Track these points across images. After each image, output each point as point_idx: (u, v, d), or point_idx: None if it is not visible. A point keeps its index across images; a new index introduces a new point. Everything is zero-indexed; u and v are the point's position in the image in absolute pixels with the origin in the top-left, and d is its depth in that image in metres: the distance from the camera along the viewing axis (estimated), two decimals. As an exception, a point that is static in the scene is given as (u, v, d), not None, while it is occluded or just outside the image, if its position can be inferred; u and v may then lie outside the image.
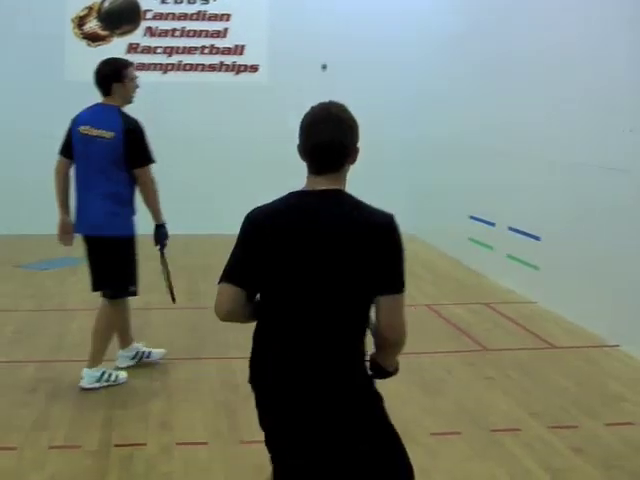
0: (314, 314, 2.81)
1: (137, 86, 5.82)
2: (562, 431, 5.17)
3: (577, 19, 7.79)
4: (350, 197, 2.88)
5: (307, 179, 2.93)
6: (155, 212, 5.79)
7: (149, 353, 6.24)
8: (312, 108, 2.91)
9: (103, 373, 5.74)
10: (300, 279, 2.81)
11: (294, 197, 2.90)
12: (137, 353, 6.18)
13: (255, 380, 2.94)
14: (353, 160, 2.92)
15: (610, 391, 5.95)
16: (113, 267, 5.74)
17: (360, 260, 2.77)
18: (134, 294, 5.90)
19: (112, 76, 5.68)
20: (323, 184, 2.87)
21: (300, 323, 2.83)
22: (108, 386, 5.72)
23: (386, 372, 2.99)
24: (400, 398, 5.47)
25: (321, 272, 2.78)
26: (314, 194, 2.87)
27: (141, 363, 6.18)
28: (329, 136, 2.82)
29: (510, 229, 9.09)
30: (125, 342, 6.14)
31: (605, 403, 5.71)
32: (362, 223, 2.80)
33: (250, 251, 2.86)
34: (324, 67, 11.16)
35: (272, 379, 2.88)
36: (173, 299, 6.11)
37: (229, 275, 2.89)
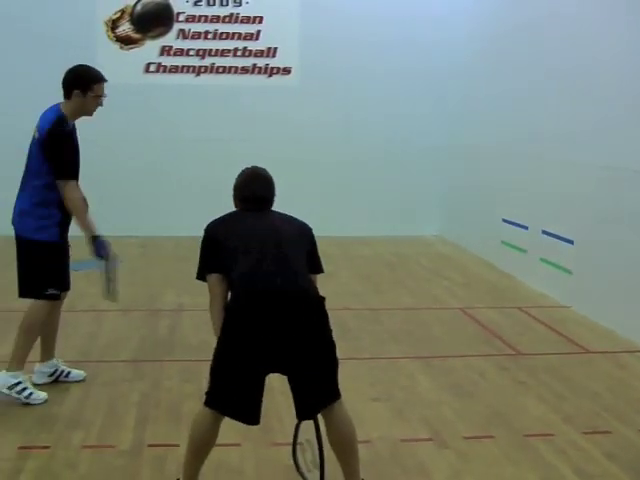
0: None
1: (100, 104, 5.54)
2: (595, 437, 5.12)
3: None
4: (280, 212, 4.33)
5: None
6: (82, 227, 5.44)
7: (68, 373, 5.87)
8: (244, 170, 4.62)
9: (18, 383, 5.40)
10: (260, 248, 4.03)
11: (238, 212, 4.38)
12: (56, 370, 5.83)
13: (243, 311, 3.92)
14: None
15: (644, 396, 5.89)
16: (29, 269, 5.44)
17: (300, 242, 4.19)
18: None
19: (77, 84, 5.46)
20: None
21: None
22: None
23: None
24: (432, 401, 5.45)
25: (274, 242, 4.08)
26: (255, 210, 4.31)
27: (60, 381, 5.84)
28: (262, 192, 4.40)
29: (544, 232, 9.02)
30: (45, 355, 5.81)
31: (638, 409, 5.65)
32: (295, 224, 4.29)
33: (217, 245, 4.11)
34: None
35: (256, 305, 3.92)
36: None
37: (209, 267, 4.13)
